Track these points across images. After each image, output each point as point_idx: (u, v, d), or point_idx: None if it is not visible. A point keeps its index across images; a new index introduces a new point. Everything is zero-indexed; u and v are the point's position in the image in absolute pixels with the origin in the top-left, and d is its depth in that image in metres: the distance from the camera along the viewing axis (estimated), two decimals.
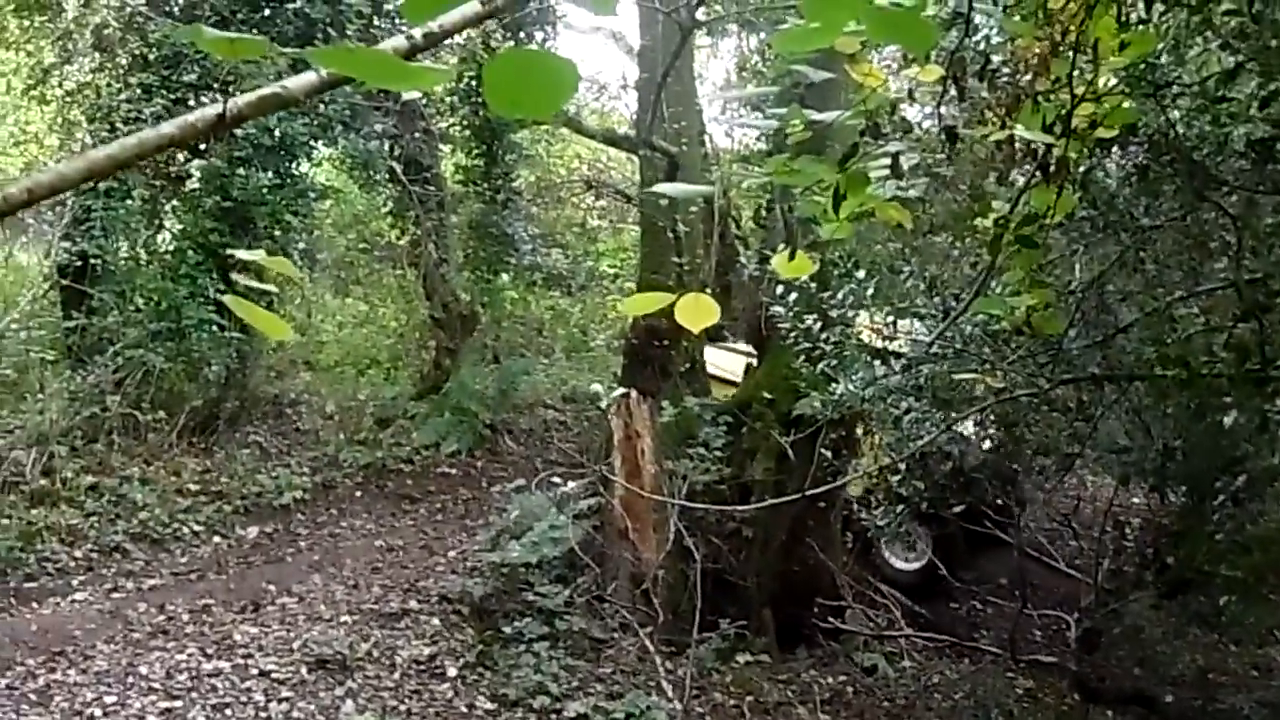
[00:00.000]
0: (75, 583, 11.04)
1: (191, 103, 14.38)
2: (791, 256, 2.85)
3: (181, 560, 11.85)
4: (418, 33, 1.37)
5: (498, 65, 1.45)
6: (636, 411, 10.94)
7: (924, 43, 2.04)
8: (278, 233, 14.91)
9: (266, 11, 14.46)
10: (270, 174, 14.46)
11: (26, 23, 16.33)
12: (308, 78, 1.35)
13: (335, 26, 14.33)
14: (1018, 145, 3.15)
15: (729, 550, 10.85)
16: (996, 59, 3.43)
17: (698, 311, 2.40)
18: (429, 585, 11.42)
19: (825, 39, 1.94)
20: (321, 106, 14.39)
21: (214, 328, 13.90)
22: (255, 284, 1.70)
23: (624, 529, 10.74)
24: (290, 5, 14.16)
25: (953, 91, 2.88)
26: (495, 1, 1.42)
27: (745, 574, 10.84)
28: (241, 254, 1.64)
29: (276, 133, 14.15)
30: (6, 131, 19.58)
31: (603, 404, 10.85)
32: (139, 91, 14.80)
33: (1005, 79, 3.28)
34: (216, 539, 12.45)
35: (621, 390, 10.94)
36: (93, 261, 14.23)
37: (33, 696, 8.85)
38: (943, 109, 2.90)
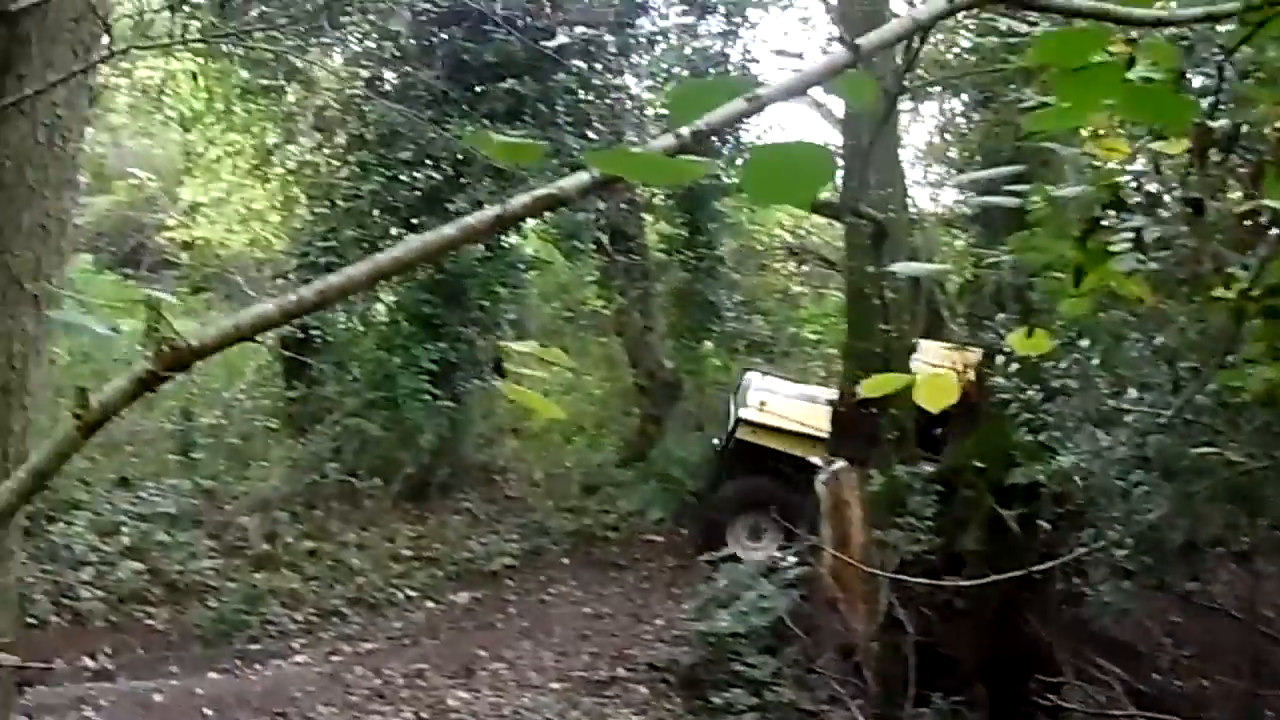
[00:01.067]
0: (296, 645, 11.37)
1: (404, 178, 14.86)
2: (1030, 333, 2.81)
3: (396, 625, 12.10)
4: (686, 130, 1.38)
5: (758, 156, 1.47)
6: (845, 480, 10.83)
7: (1181, 119, 1.99)
8: (487, 303, 15.26)
9: (479, 89, 14.89)
10: (481, 246, 14.82)
11: (252, 106, 17.09)
12: (581, 178, 1.38)
13: (545, 102, 14.67)
14: (1263, 215, 3.04)
15: (940, 622, 10.61)
16: (1231, 124, 3.33)
17: (938, 392, 2.36)
18: (637, 653, 11.43)
19: (1078, 118, 1.90)
20: (530, 180, 14.72)
21: (427, 396, 14.26)
22: (529, 371, 1.74)
23: (833, 599, 10.60)
24: (501, 84, 14.54)
25: (1197, 162, 2.81)
26: (760, 98, 1.43)
27: (958, 646, 10.58)
28: (515, 346, 1.68)
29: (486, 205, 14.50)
30: (233, 209, 20.48)
31: (820, 477, 10.76)
32: (357, 169, 15.38)
33: (1248, 147, 3.18)
34: (429, 604, 12.69)
35: (840, 464, 10.83)
36: (313, 333, 14.75)
37: None
38: (1187, 179, 2.83)
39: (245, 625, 11.46)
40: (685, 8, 17.72)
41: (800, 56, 17.30)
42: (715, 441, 15.33)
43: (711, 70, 16.81)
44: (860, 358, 12.36)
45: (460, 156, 14.59)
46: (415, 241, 1.40)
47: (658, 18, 17.47)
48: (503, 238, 15.49)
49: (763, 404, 14.04)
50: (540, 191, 1.41)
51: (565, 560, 14.31)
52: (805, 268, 23.02)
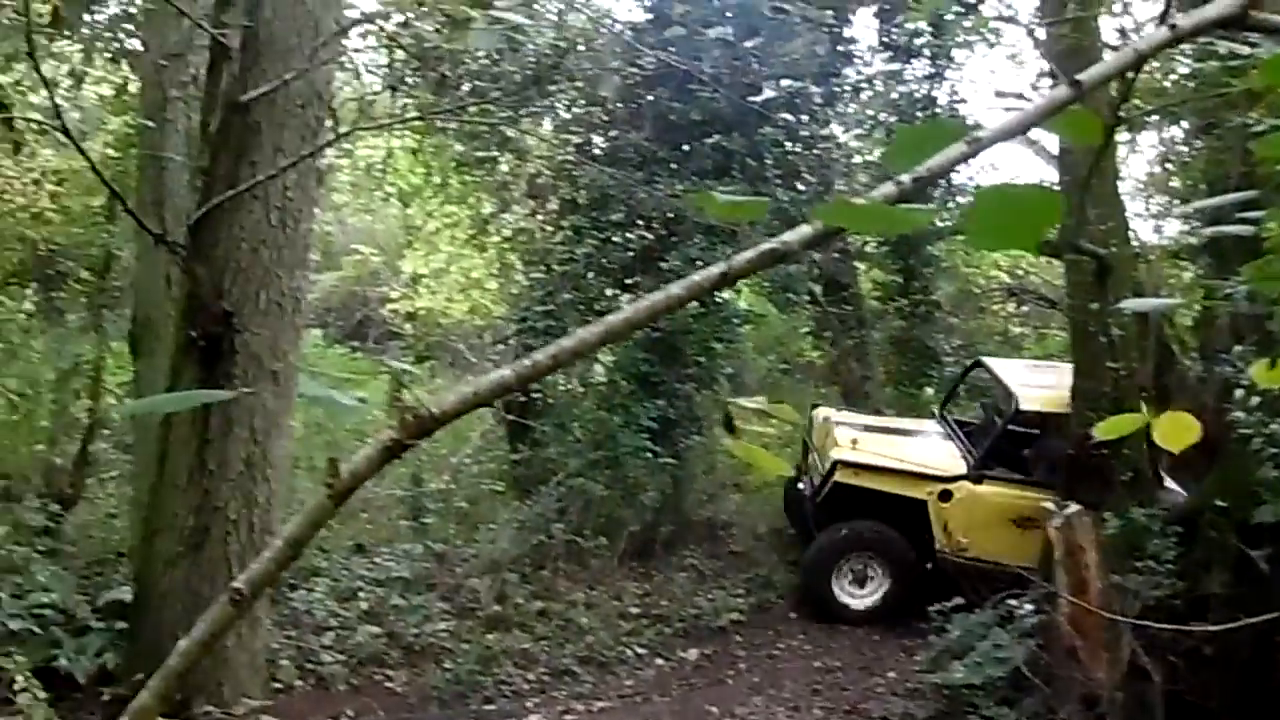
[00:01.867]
0: (530, 704, 11.48)
1: (616, 240, 15.09)
2: (1272, 364, 2.69)
3: (627, 683, 12.13)
4: (906, 178, 1.38)
5: (982, 201, 1.45)
6: (1078, 525, 10.51)
7: None
8: (704, 359, 15.32)
9: (686, 148, 15.05)
10: (695, 303, 14.91)
11: (468, 178, 17.62)
12: (803, 231, 1.39)
13: (753, 156, 14.75)
14: None
15: (1188, 669, 10.18)
16: None
17: (1177, 431, 2.28)
18: (870, 707, 11.26)
19: None
20: (740, 235, 14.79)
21: (648, 454, 14.36)
22: (754, 426, 1.74)
23: (1073, 648, 10.27)
24: (708, 140, 14.68)
25: None
26: (979, 140, 1.41)
27: (1208, 694, 10.13)
28: (743, 402, 1.69)
29: (699, 263, 14.59)
30: (452, 279, 21.08)
31: (1053, 522, 10.46)
32: (570, 233, 15.67)
33: None
34: (659, 661, 12.70)
35: (1073, 508, 10.51)
36: (534, 397, 15.04)
37: None
38: None
39: (480, 686, 11.65)
40: (890, 54, 17.66)
41: (1020, 96, 17.06)
42: (801, 486, 14.87)
43: (918, 114, 16.70)
44: (1089, 398, 12.02)
45: (671, 215, 14.76)
46: (644, 302, 1.42)
47: (862, 65, 17.46)
48: (717, 293, 15.59)
49: (854, 442, 13.63)
50: (764, 246, 1.42)
51: (792, 614, 14.16)
52: (1025, 308, 22.56)
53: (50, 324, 13.76)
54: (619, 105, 15.62)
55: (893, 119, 16.57)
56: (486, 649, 12.09)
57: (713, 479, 17.34)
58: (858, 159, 17.53)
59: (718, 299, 15.39)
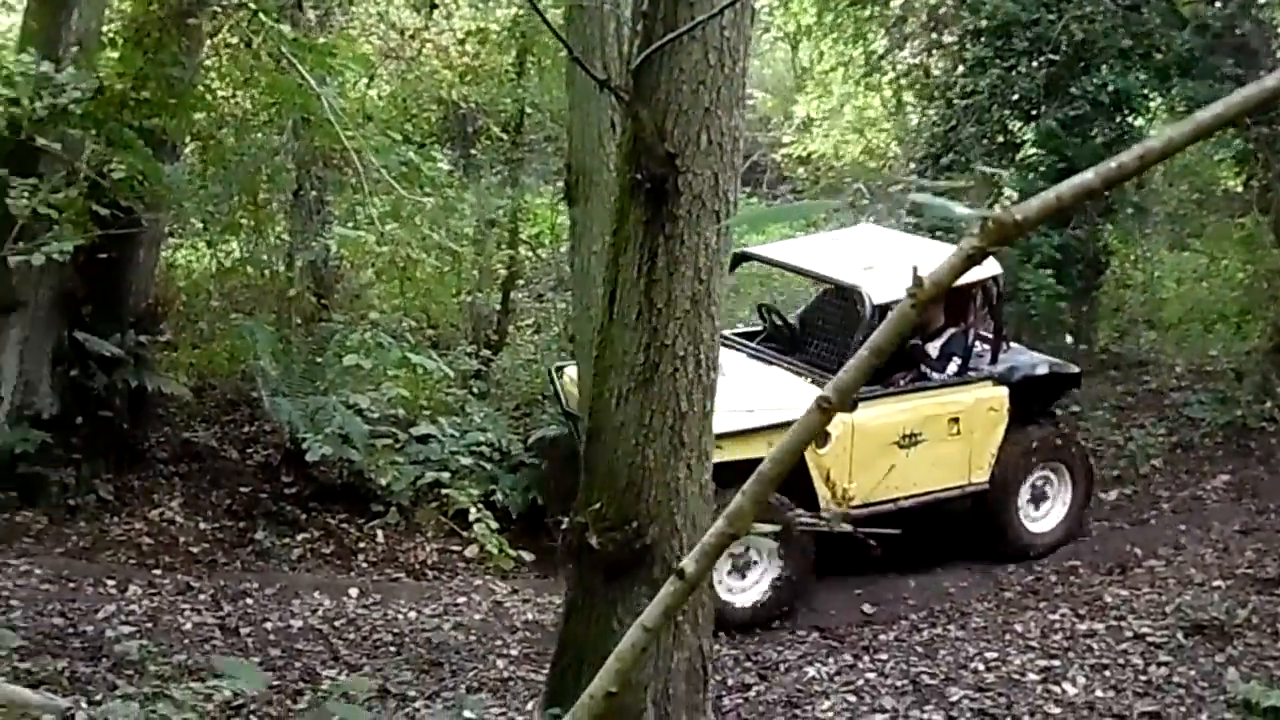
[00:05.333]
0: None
1: (1021, 69, 14.47)
2: None
3: None
4: None
5: None
6: None
7: None
8: (1106, 192, 14.62)
9: None
10: (1105, 132, 14.22)
11: (863, 13, 17.27)
12: None
13: None
14: None
15: None
16: None
17: None
18: None
19: None
20: (1158, 54, 13.97)
21: (1051, 291, 13.81)
22: None
23: None
24: None
25: None
26: None
27: None
28: None
29: (1111, 88, 13.88)
30: (845, 120, 20.86)
31: None
32: (971, 65, 15.15)
33: None
34: None
35: None
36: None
37: (919, 649, 9.41)
38: None
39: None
40: None
41: None
42: None
43: None
44: None
45: (1081, 38, 14.02)
46: (1235, 97, 1.36)
47: None
48: (1128, 120, 14.82)
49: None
50: None
51: (1219, 453, 13.43)
52: None
53: (469, 180, 14.47)
54: None
55: None
56: None
57: (1124, 316, 16.76)
58: None
59: (1130, 126, 14.63)
